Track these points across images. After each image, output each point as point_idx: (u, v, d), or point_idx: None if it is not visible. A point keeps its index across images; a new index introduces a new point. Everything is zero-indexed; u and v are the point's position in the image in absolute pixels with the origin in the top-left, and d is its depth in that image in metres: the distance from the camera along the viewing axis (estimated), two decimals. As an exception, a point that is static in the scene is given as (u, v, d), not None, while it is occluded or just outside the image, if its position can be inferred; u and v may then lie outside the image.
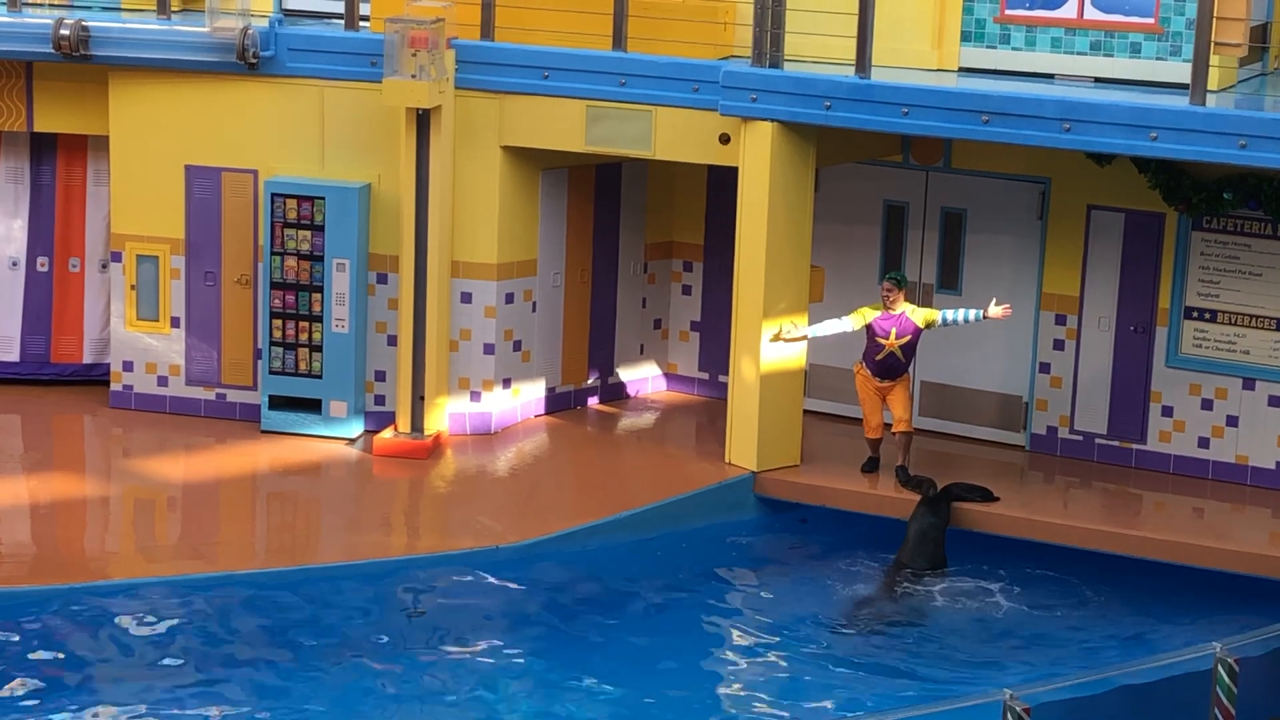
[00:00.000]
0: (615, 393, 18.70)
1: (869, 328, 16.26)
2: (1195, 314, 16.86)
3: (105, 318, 18.26)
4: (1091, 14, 16.24)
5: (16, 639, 13.66)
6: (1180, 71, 15.67)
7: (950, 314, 16.27)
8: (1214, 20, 15.05)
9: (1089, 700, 12.72)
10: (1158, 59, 16.13)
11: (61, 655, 13.50)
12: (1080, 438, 17.32)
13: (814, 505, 16.36)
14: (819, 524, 16.28)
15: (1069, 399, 17.31)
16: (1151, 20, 16.08)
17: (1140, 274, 16.94)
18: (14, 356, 18.47)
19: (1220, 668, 12.35)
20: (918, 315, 16.22)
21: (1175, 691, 12.93)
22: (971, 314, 16.22)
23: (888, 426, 16.58)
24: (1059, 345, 17.29)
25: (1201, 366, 16.86)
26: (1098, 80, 16.25)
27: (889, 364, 16.26)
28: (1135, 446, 17.15)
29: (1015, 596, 15.35)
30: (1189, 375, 16.90)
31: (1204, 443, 16.90)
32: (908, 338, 16.21)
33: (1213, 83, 15.36)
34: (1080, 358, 17.22)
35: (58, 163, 18.44)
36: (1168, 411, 17.00)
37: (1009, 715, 11.16)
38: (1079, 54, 16.34)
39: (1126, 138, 15.10)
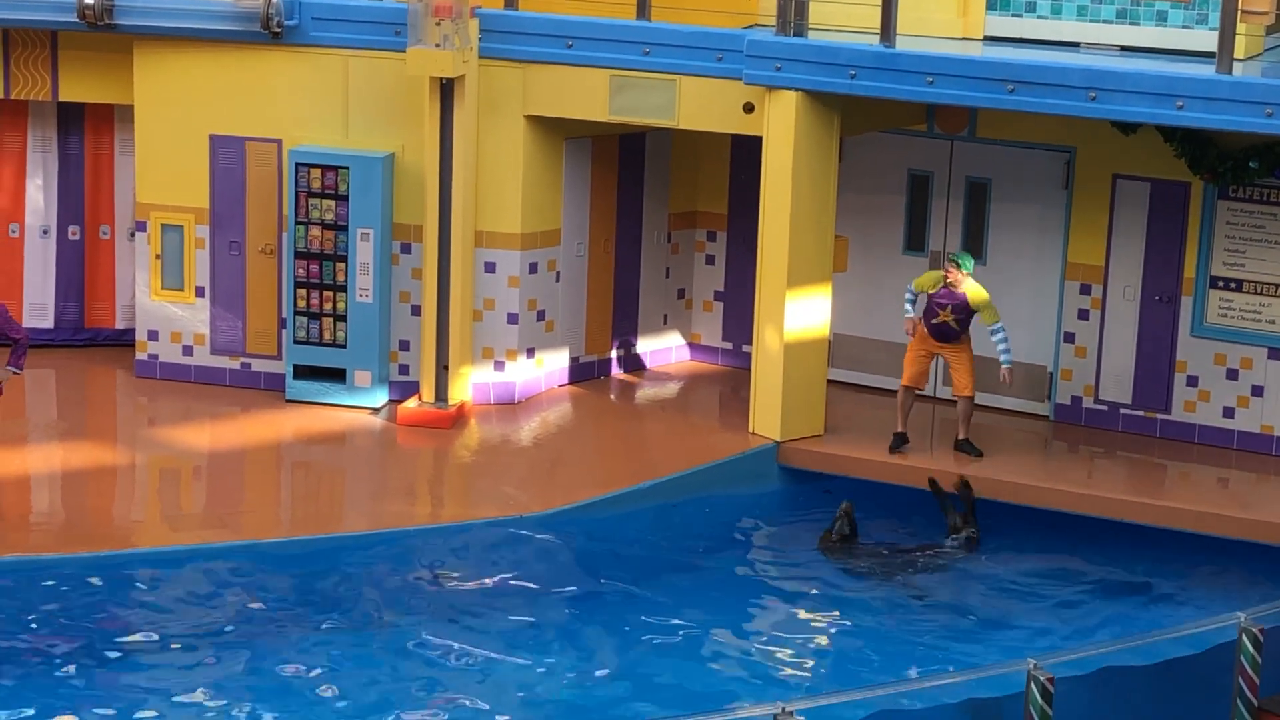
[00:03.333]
0: (639, 362, 18.71)
1: (930, 295, 16.22)
2: (1221, 283, 16.81)
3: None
4: (1117, -18, 16.20)
5: (43, 607, 13.72)
6: (1207, 40, 15.61)
7: (995, 337, 16.15)
8: (1241, -12, 14.99)
9: (1113, 669, 12.72)
10: (1184, 27, 16.07)
11: (87, 623, 13.55)
12: (1105, 407, 17.30)
13: (837, 475, 16.35)
14: (842, 494, 16.24)
15: (1094, 369, 17.27)
16: (1178, -12, 16.03)
17: (1165, 243, 16.89)
18: (49, 323, 18.67)
19: (1245, 637, 12.35)
20: (971, 293, 16.06)
21: (1200, 660, 12.94)
22: (1002, 353, 16.17)
23: (921, 396, 16.61)
24: (1084, 315, 17.25)
25: (1227, 336, 16.82)
26: (1124, 49, 16.20)
27: (942, 330, 16.25)
28: (1160, 416, 17.12)
29: (1038, 566, 15.34)
30: (1214, 345, 16.86)
31: (1229, 412, 16.87)
32: (961, 314, 16.15)
33: (1239, 51, 15.30)
34: (1105, 327, 17.18)
35: (85, 132, 18.54)
36: (1193, 381, 16.97)
37: (1033, 684, 11.17)
38: (1105, 22, 16.28)
39: (1152, 106, 15.04)
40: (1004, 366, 16.23)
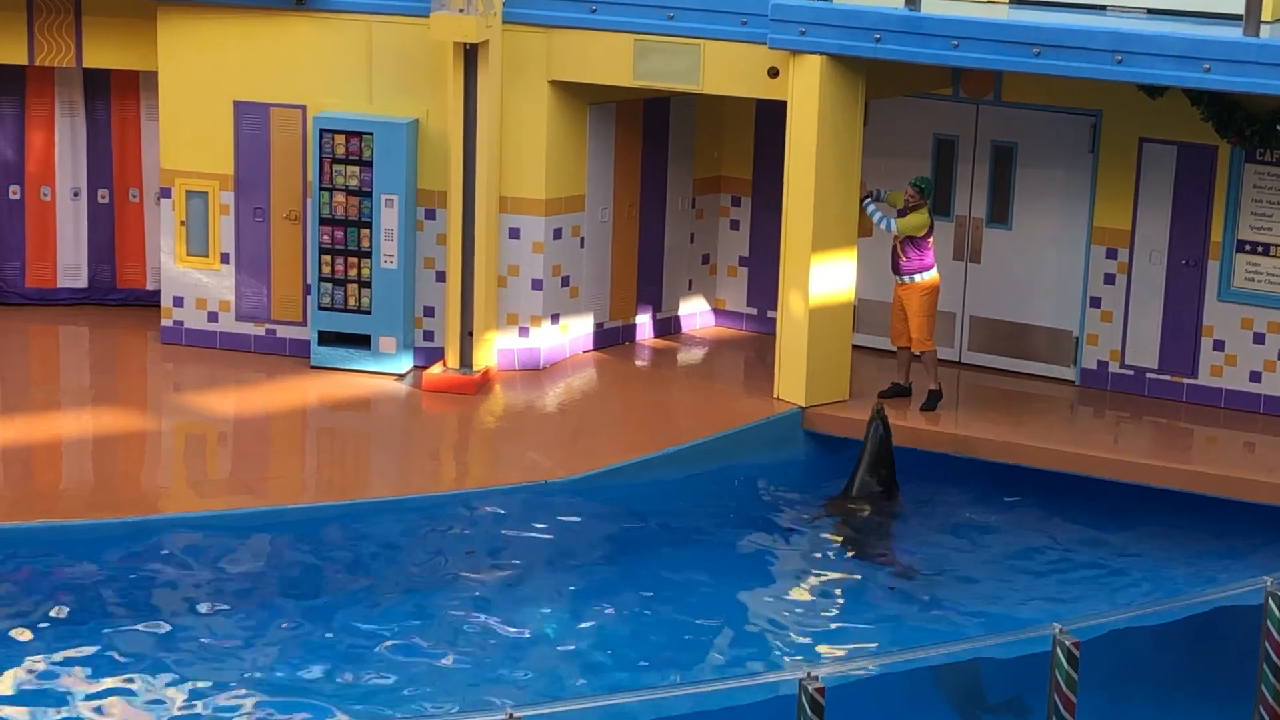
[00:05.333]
0: (664, 328, 18.70)
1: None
2: (1247, 247, 16.73)
3: (164, 247, 18.53)
4: (1144, -56, 16.12)
5: (71, 572, 13.78)
6: (1234, 2, 15.50)
7: (876, 214, 16.41)
8: (1269, -50, 14.90)
9: (1139, 634, 12.71)
10: (1211, -11, 15.98)
11: (115, 589, 13.61)
12: (1131, 372, 17.25)
13: (863, 441, 16.31)
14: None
15: (1120, 333, 17.23)
16: (1205, -50, 15.92)
17: (1192, 207, 16.82)
18: (82, 283, 18.94)
19: (1271, 601, 12.30)
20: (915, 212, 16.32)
21: (1226, 625, 12.91)
22: (880, 217, 16.41)
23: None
24: (1110, 279, 17.20)
25: (1254, 300, 16.75)
26: (1150, 11, 16.11)
27: (892, 259, 16.50)
28: (1186, 381, 17.07)
29: (1065, 531, 15.33)
30: (1241, 309, 16.80)
31: (1256, 377, 16.81)
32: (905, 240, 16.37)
33: (1267, 13, 15.19)
34: (1131, 292, 17.13)
35: (111, 97, 18.65)
36: (1219, 346, 16.91)
37: (1058, 649, 11.14)
38: (1131, -16, 16.22)
39: (1179, 69, 14.97)
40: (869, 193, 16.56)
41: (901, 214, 16.33)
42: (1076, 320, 17.42)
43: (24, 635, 12.88)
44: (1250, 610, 12.48)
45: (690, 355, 18.30)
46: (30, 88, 18.62)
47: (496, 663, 12.89)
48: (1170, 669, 13.29)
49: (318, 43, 17.38)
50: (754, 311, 18.81)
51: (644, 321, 18.55)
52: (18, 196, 18.81)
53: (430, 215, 17.52)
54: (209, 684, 12.39)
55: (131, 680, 12.41)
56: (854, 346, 16.98)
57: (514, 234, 17.42)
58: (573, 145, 17.49)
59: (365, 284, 17.38)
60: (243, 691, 12.33)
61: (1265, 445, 16.26)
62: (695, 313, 18.91)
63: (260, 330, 17.94)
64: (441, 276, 17.52)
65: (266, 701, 12.24)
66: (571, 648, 13.15)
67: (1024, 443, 15.99)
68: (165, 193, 17.91)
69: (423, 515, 14.91)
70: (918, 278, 16.37)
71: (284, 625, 13.23)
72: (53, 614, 13.21)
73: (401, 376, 17.48)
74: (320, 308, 17.48)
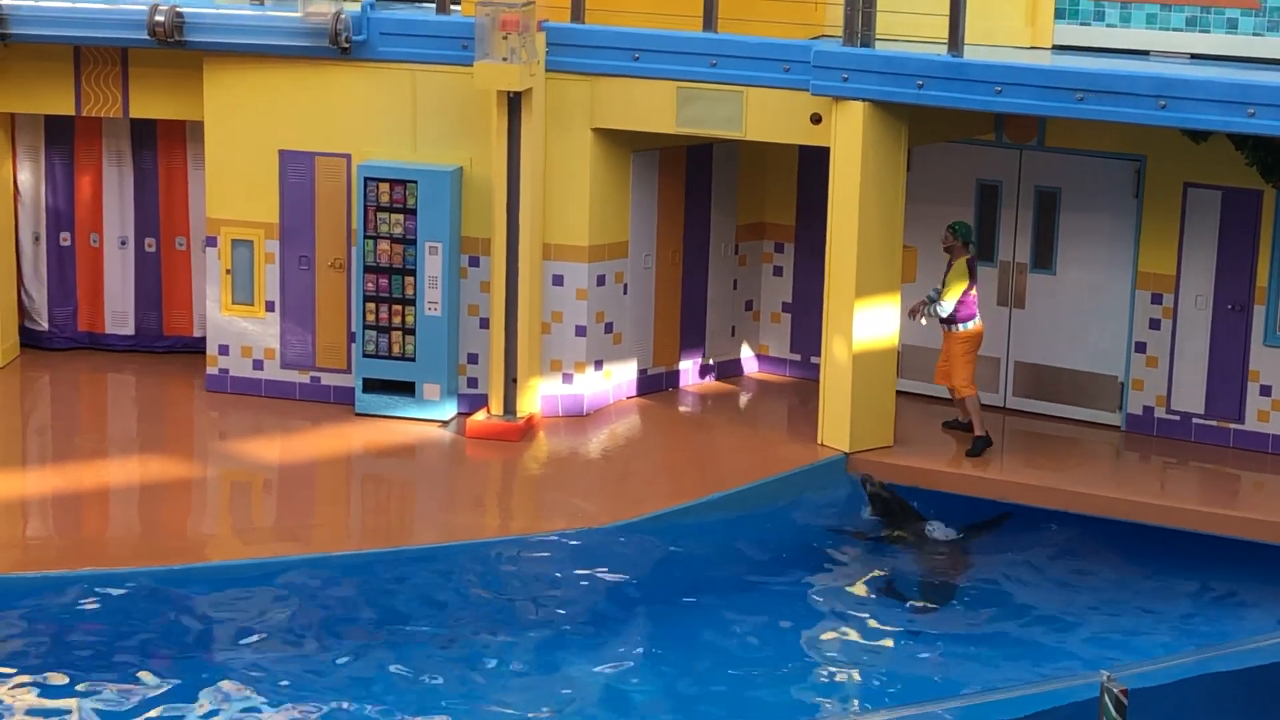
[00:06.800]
0: (707, 374, 18.70)
1: None
2: (1294, 292, 16.70)
3: (211, 294, 18.65)
4: (1187, -11, 16.12)
5: (118, 620, 13.82)
6: (1278, 47, 15.49)
7: (936, 303, 16.52)
8: (1313, -6, 14.89)
9: (1188, 681, 12.64)
10: (1255, 34, 15.96)
11: (160, 636, 13.64)
12: (1177, 417, 17.18)
13: (907, 486, 16.30)
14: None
15: (1165, 378, 17.16)
16: (1248, -5, 15.93)
17: (1237, 252, 16.76)
18: (130, 330, 19.10)
19: (1321, 649, 12.23)
20: (955, 265, 16.45)
21: (1276, 674, 12.83)
22: (929, 302, 16.57)
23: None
24: (1155, 324, 17.15)
25: (1300, 345, 16.71)
26: (1194, 56, 16.10)
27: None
28: (1233, 426, 16.99)
29: (1111, 578, 15.25)
30: (1287, 354, 16.75)
31: (1304, 422, 16.75)
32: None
33: (1312, 58, 15.21)
34: (1177, 337, 17.07)
35: (158, 147, 18.80)
36: (1266, 391, 16.83)
37: (1106, 696, 11.07)
38: (1174, 30, 16.20)
39: (1223, 114, 14.94)
40: (923, 302, 16.59)
41: (937, 292, 16.46)
42: (1121, 365, 17.36)
43: (62, 680, 12.91)
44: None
45: (734, 401, 18.29)
46: (79, 138, 18.79)
47: (533, 709, 12.86)
48: (1218, 716, 13.19)
49: (362, 92, 17.49)
50: (797, 357, 18.80)
51: (688, 367, 18.56)
52: (68, 243, 18.99)
53: (474, 262, 17.58)
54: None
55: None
56: (898, 392, 16.95)
57: (558, 281, 17.47)
58: (616, 192, 17.54)
59: (409, 331, 17.44)
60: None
61: (1313, 491, 16.19)
62: (739, 358, 18.92)
63: (305, 378, 18.01)
64: (485, 323, 17.57)
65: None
66: (618, 695, 13.12)
67: (1069, 488, 15.94)
68: (211, 241, 18.01)
69: (468, 562, 14.91)
70: (961, 327, 16.46)
71: (330, 675, 13.23)
72: (102, 661, 13.25)
73: (445, 423, 17.51)
74: (365, 355, 17.54)
